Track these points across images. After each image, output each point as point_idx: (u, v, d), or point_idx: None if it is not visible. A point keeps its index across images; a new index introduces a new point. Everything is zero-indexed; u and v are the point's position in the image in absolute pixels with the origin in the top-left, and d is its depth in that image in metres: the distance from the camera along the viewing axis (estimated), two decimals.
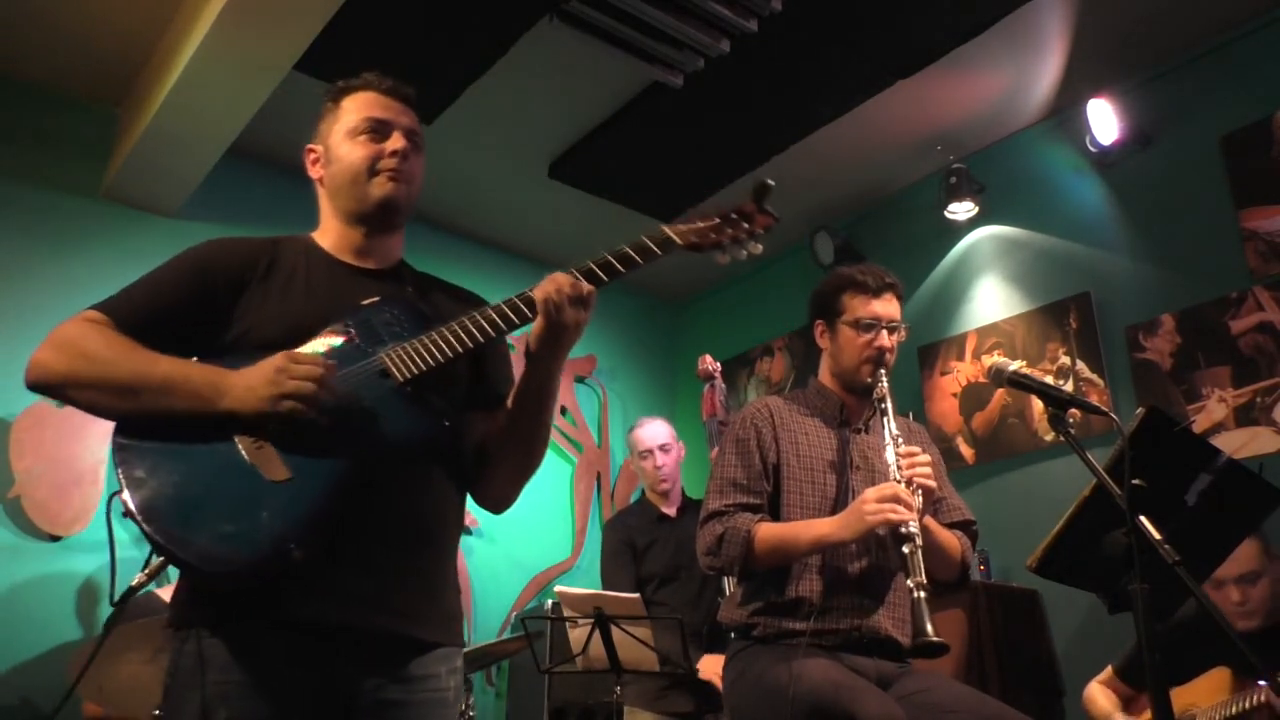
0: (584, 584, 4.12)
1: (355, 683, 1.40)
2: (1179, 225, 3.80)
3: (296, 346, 1.45)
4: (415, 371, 1.46)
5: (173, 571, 3.80)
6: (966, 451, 4.25)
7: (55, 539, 3.67)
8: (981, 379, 4.26)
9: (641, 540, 3.72)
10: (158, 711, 2.51)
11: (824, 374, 2.44)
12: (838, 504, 2.24)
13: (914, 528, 2.01)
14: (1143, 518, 1.60)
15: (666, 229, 1.53)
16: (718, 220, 1.54)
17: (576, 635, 2.98)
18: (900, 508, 2.01)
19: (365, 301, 1.54)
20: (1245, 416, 3.47)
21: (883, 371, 2.27)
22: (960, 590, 3.13)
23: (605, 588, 3.57)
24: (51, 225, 3.93)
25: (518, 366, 1.61)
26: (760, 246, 1.56)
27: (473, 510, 1.83)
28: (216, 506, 1.34)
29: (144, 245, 4.05)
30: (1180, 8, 3.66)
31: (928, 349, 4.51)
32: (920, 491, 2.09)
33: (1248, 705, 2.40)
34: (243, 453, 1.38)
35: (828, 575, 2.17)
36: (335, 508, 1.38)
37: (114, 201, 4.08)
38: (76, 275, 3.89)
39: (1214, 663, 2.54)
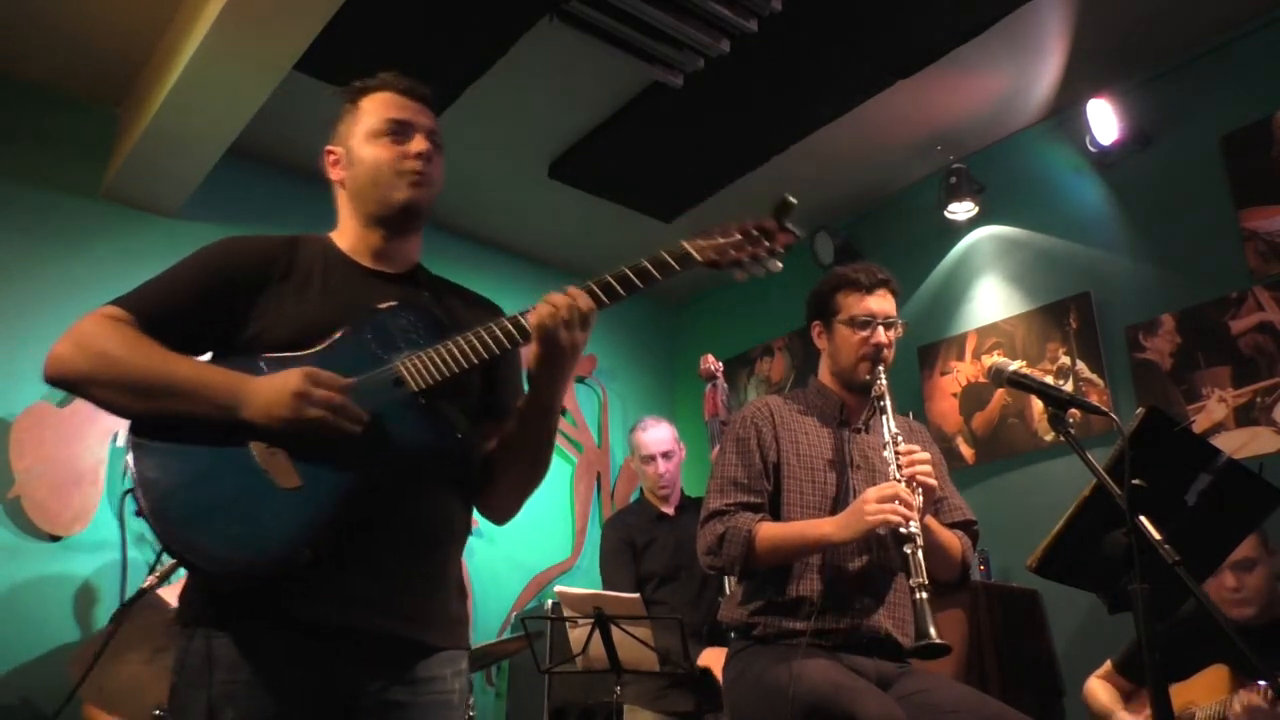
0: (584, 584, 4.12)
1: (361, 684, 1.40)
2: (1179, 225, 3.80)
3: (312, 348, 1.45)
4: (430, 382, 1.45)
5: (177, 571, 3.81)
6: (966, 451, 4.25)
7: (55, 539, 3.67)
8: (981, 379, 4.26)
9: (641, 539, 3.72)
10: (158, 711, 2.53)
11: (823, 374, 2.44)
12: (838, 503, 2.24)
13: (915, 528, 2.01)
14: (1143, 518, 1.60)
15: (686, 244, 1.50)
16: (738, 236, 1.51)
17: (576, 635, 2.98)
18: (901, 507, 2.01)
19: (382, 305, 1.53)
20: (1245, 416, 3.47)
21: (881, 369, 2.27)
22: (960, 590, 3.14)
23: (605, 587, 3.57)
24: (51, 225, 3.93)
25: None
26: (780, 265, 1.53)
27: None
28: (227, 510, 1.35)
29: (144, 245, 4.06)
30: (1180, 8, 3.66)
31: (928, 349, 4.51)
32: (921, 491, 2.09)
33: (1239, 707, 2.40)
34: (256, 458, 1.38)
35: (828, 575, 2.17)
36: (344, 514, 1.38)
37: (114, 201, 4.08)
38: (76, 275, 3.89)
39: (1213, 660, 2.54)
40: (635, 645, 2.91)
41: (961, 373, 4.38)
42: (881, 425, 2.22)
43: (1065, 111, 4.19)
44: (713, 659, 3.22)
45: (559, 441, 5.56)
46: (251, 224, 4.30)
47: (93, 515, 3.73)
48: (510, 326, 1.48)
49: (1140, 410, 1.78)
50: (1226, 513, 1.89)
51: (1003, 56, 3.92)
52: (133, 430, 1.40)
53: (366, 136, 1.61)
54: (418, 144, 1.60)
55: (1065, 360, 4.02)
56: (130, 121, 4.00)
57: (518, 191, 4.80)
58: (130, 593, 3.51)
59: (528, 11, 3.51)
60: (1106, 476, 1.69)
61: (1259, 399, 3.45)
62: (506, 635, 4.54)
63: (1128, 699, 2.77)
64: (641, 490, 4.00)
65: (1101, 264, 4.02)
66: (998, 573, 3.85)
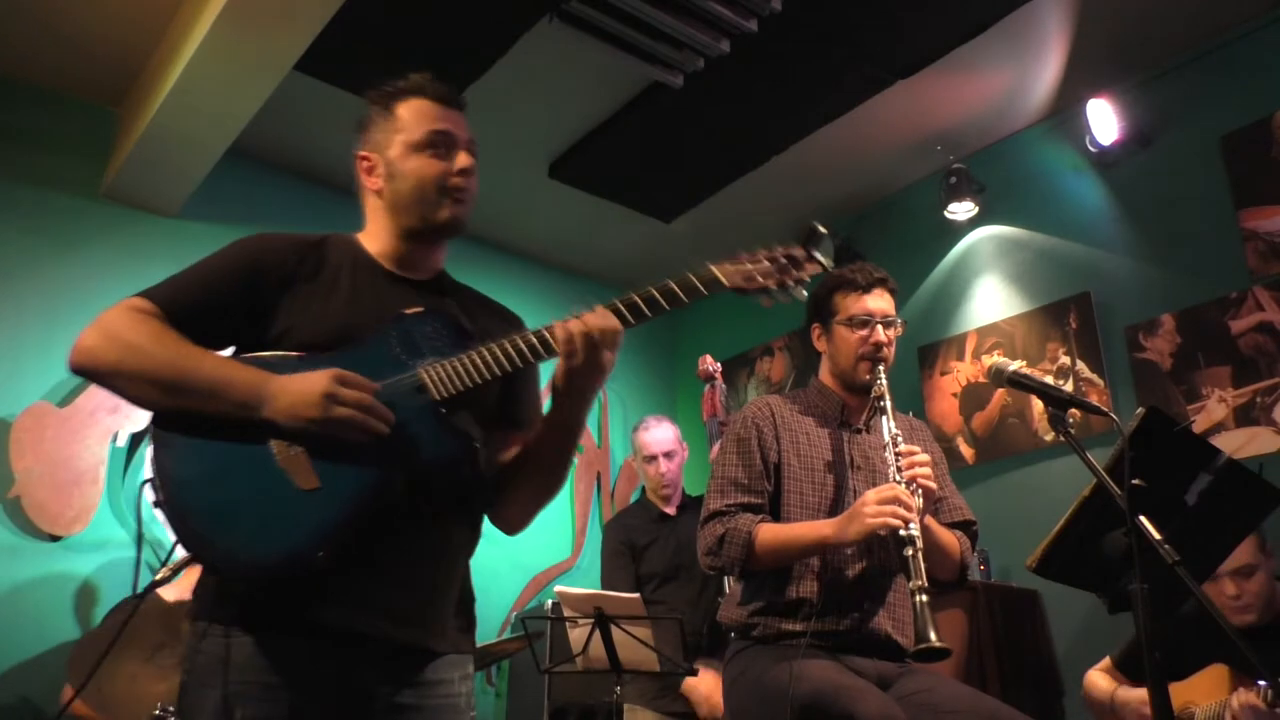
0: (584, 584, 4.12)
1: (370, 687, 1.41)
2: (1179, 225, 3.80)
3: (337, 350, 1.45)
4: (452, 391, 1.45)
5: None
6: (966, 451, 4.25)
7: (55, 539, 3.67)
8: (981, 379, 4.26)
9: (642, 540, 3.72)
10: (157, 711, 2.52)
11: (823, 374, 2.44)
12: (838, 504, 2.24)
13: (915, 530, 2.01)
14: (1143, 518, 1.60)
15: (714, 269, 1.50)
16: (766, 263, 1.50)
17: (576, 635, 2.98)
18: (901, 510, 2.01)
19: (408, 311, 1.52)
20: (1245, 416, 3.47)
21: (881, 369, 2.27)
22: (960, 590, 3.13)
23: (604, 588, 3.57)
24: (51, 225, 3.93)
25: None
26: (805, 293, 1.53)
27: None
28: (244, 508, 1.36)
29: (144, 245, 4.06)
30: (1180, 8, 3.66)
31: (928, 349, 4.51)
32: (920, 492, 2.09)
33: (1237, 706, 2.40)
34: (276, 457, 1.39)
35: (827, 576, 2.17)
36: (360, 519, 1.38)
37: (114, 201, 4.08)
38: (76, 275, 3.89)
39: (1213, 659, 2.54)
40: (635, 645, 2.91)
41: (961, 373, 4.38)
42: (882, 426, 2.21)
43: (1065, 111, 4.19)
44: (705, 690, 3.24)
45: None
46: (251, 224, 4.25)
47: (93, 515, 3.73)
48: (535, 341, 1.47)
49: (1140, 410, 1.78)
50: (1226, 513, 1.89)
51: (1003, 56, 3.92)
52: (154, 422, 1.41)
53: (408, 149, 1.59)
54: (463, 160, 1.59)
55: (1065, 360, 4.02)
56: (130, 121, 4.00)
57: (518, 191, 4.80)
58: (140, 586, 3.54)
59: (528, 11, 3.51)
60: (1106, 476, 1.69)
61: (1259, 399, 3.45)
62: (506, 635, 4.54)
63: None
64: (643, 490, 4.00)
65: (1101, 264, 4.02)
66: (998, 573, 3.85)
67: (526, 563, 4.84)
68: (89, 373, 1.42)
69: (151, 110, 3.67)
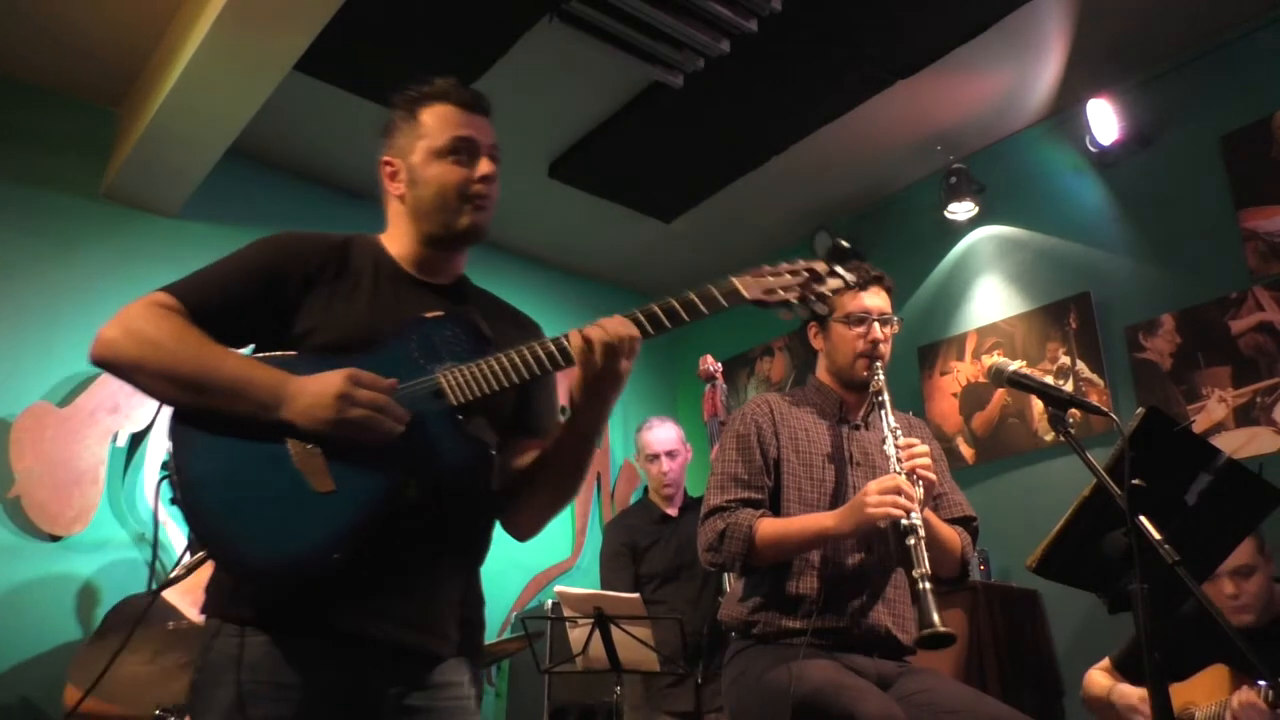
0: (584, 584, 4.12)
1: (380, 690, 1.41)
2: (1179, 225, 3.80)
3: (357, 352, 1.45)
4: (469, 397, 1.45)
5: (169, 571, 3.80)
6: (966, 451, 4.25)
7: (55, 539, 3.67)
8: (981, 379, 4.26)
9: (643, 540, 3.73)
10: (158, 711, 2.52)
11: (821, 372, 2.45)
12: (837, 499, 2.25)
13: (916, 519, 2.01)
14: (1143, 518, 1.60)
15: (735, 281, 1.50)
16: (788, 277, 1.51)
17: (576, 635, 2.98)
18: (903, 500, 2.01)
19: (428, 315, 1.52)
20: (1245, 416, 3.47)
21: (879, 365, 2.27)
22: (960, 589, 3.13)
23: (603, 589, 3.57)
24: (51, 225, 3.93)
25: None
26: (825, 309, 1.55)
27: None
28: (260, 509, 1.37)
29: (144, 245, 4.06)
30: (1180, 8, 3.66)
31: (928, 349, 4.51)
32: (921, 484, 2.09)
33: (1237, 706, 2.40)
34: (292, 457, 1.39)
35: (827, 572, 2.17)
36: (374, 523, 1.39)
37: (114, 201, 4.08)
38: (76, 275, 3.89)
39: (1212, 660, 2.54)
40: (635, 645, 2.91)
41: (961, 373, 4.38)
42: (881, 421, 2.22)
43: (1065, 111, 4.19)
44: None
45: None
46: (252, 224, 4.29)
47: (93, 515, 3.73)
48: (554, 348, 1.47)
49: (1140, 410, 1.77)
50: (1226, 513, 1.89)
51: (1003, 56, 3.92)
52: (175, 417, 1.42)
53: (430, 155, 1.58)
54: (484, 167, 1.58)
55: (1065, 360, 4.02)
56: (130, 121, 4.00)
57: (518, 191, 4.80)
58: (137, 587, 3.55)
59: (528, 11, 3.51)
60: (1106, 476, 1.69)
61: (1259, 399, 3.45)
62: (506, 635, 4.54)
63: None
64: (645, 490, 4.00)
65: (1101, 264, 4.02)
66: (998, 573, 3.85)
67: (526, 563, 4.84)
68: (109, 366, 1.43)
69: (151, 110, 3.67)
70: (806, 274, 1.51)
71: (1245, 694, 2.39)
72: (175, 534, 3.86)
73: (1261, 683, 2.37)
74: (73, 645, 3.54)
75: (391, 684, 1.42)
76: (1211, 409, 3.55)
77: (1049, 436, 3.97)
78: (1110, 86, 3.93)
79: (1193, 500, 1.82)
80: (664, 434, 3.85)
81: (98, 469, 3.78)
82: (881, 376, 2.26)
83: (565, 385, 1.56)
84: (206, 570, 1.48)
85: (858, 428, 2.37)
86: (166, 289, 1.48)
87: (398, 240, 1.64)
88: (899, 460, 2.11)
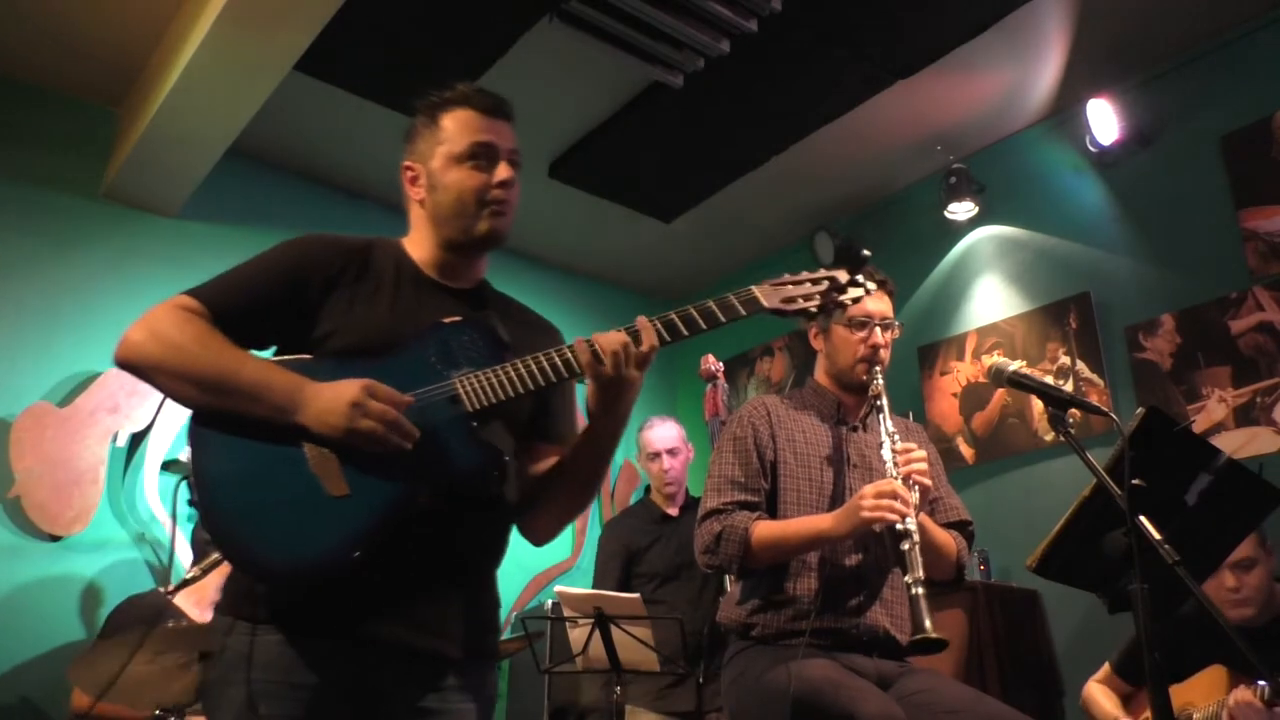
0: (584, 584, 4.12)
1: (392, 692, 1.42)
2: (1179, 225, 3.80)
3: (376, 356, 1.46)
4: (485, 403, 1.45)
5: (178, 570, 3.81)
6: (966, 451, 4.25)
7: (55, 539, 3.67)
8: (981, 379, 4.26)
9: (642, 541, 3.73)
10: (158, 710, 2.53)
11: (820, 374, 2.45)
12: (835, 501, 2.25)
13: (911, 525, 2.02)
14: (1143, 518, 1.60)
15: (755, 290, 1.51)
16: (809, 286, 1.52)
17: (576, 635, 2.98)
18: (897, 504, 2.02)
19: (447, 320, 1.53)
20: (1245, 416, 3.47)
21: (878, 369, 2.27)
22: (960, 590, 3.13)
23: (594, 588, 3.58)
24: (51, 225, 3.93)
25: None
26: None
27: None
28: (275, 512, 1.38)
29: (144, 245, 4.06)
30: (1180, 8, 3.66)
31: (928, 349, 4.51)
32: (917, 488, 2.09)
33: (1234, 704, 2.41)
34: (308, 460, 1.40)
35: (825, 573, 2.17)
36: (387, 527, 1.39)
37: (114, 201, 4.08)
38: (76, 275, 3.89)
39: (1211, 660, 2.54)
40: (635, 645, 2.91)
41: (961, 373, 4.38)
42: (878, 424, 2.22)
43: (1065, 111, 4.19)
44: None
45: None
46: (251, 224, 4.30)
47: (93, 515, 3.73)
48: (571, 356, 1.48)
49: (1140, 410, 1.78)
50: (1226, 513, 1.89)
51: (1003, 56, 3.92)
52: (195, 419, 1.44)
53: (449, 160, 1.59)
54: (502, 172, 1.59)
55: (1065, 360, 4.02)
56: (130, 121, 4.00)
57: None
58: (138, 587, 3.54)
59: (528, 11, 3.51)
60: (1106, 476, 1.69)
61: (1259, 399, 3.45)
62: (506, 635, 4.53)
63: (1126, 702, 2.76)
64: (645, 490, 4.00)
65: (1101, 264, 4.02)
66: (998, 573, 3.85)
67: (526, 563, 4.84)
68: (132, 367, 1.45)
69: (151, 110, 3.67)
70: (828, 283, 1.52)
71: (1242, 693, 2.40)
72: (176, 534, 3.86)
73: (1260, 682, 2.37)
74: (73, 645, 3.54)
75: (404, 687, 1.43)
76: (1211, 409, 3.55)
77: (1049, 436, 3.97)
78: (1110, 86, 3.93)
79: (1193, 500, 1.82)
80: (665, 432, 3.85)
81: (98, 469, 3.78)
82: (880, 381, 2.27)
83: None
84: (214, 572, 1.49)
85: (856, 429, 2.37)
86: (190, 292, 1.50)
87: (419, 244, 1.64)
88: (896, 465, 2.11)
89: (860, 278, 1.55)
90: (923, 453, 2.15)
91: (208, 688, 1.41)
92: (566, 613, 2.99)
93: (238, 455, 1.41)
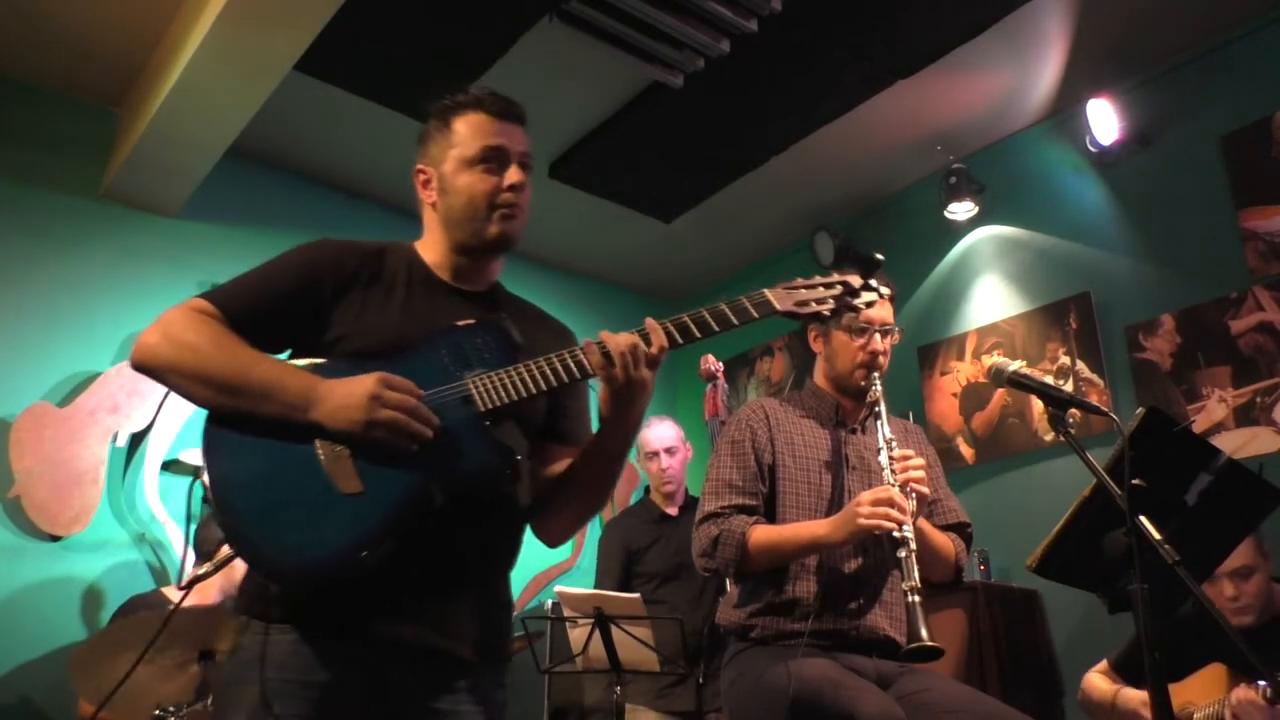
0: (584, 584, 4.12)
1: (404, 692, 1.42)
2: (1179, 225, 3.80)
3: (387, 360, 1.46)
4: (498, 403, 1.46)
5: (172, 568, 3.81)
6: (966, 451, 4.25)
7: (55, 539, 3.66)
8: (981, 379, 4.26)
9: (642, 540, 3.73)
10: (157, 711, 2.52)
11: (818, 377, 2.45)
12: (833, 504, 2.25)
13: (908, 532, 2.02)
14: (1143, 518, 1.60)
15: (768, 293, 1.52)
16: (821, 289, 1.53)
17: (576, 635, 2.98)
18: (894, 512, 2.02)
19: (460, 323, 1.53)
20: (1245, 416, 3.47)
21: (876, 376, 2.27)
22: (959, 590, 3.14)
23: (595, 588, 3.58)
24: (51, 225, 3.93)
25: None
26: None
27: None
28: (288, 511, 1.39)
29: (144, 245, 4.06)
30: (1180, 8, 3.66)
31: (928, 349, 4.51)
32: (914, 495, 2.09)
33: (1235, 703, 2.41)
34: (321, 459, 1.41)
35: (823, 576, 2.17)
36: (399, 527, 1.40)
37: (114, 201, 4.08)
38: (76, 275, 3.89)
39: (1211, 660, 2.54)
40: (635, 645, 2.91)
41: (961, 373, 4.38)
42: (877, 429, 2.22)
43: (1065, 111, 4.19)
44: None
45: None
46: (251, 224, 4.30)
47: (93, 515, 3.73)
48: (583, 358, 1.49)
49: (1140, 410, 1.78)
50: (1226, 513, 1.89)
51: (1003, 56, 3.92)
52: (210, 419, 1.45)
53: (460, 164, 1.60)
54: (513, 175, 1.59)
55: (1065, 360, 4.02)
56: (130, 121, 4.00)
57: None
58: (138, 587, 3.54)
59: (527, 11, 3.51)
60: (1106, 476, 1.69)
61: (1259, 399, 3.45)
62: None
63: None
64: (645, 490, 4.00)
65: (1101, 264, 4.02)
66: (998, 573, 3.85)
67: (526, 563, 4.78)
68: (148, 370, 1.46)
69: (151, 110, 3.66)
70: (841, 287, 1.53)
71: (1243, 691, 2.40)
72: (175, 534, 3.87)
73: (1261, 681, 2.37)
74: (73, 645, 3.54)
75: (416, 686, 1.43)
76: (1211, 409, 3.55)
77: (1049, 436, 3.97)
78: (1110, 86, 3.93)
79: (1193, 500, 1.82)
80: (663, 431, 3.85)
81: (98, 469, 3.78)
82: (879, 387, 2.27)
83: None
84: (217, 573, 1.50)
85: (854, 431, 2.37)
86: (205, 295, 1.51)
87: (431, 247, 1.65)
88: (893, 473, 2.11)
89: (873, 282, 1.55)
90: (920, 460, 2.15)
91: (223, 687, 1.42)
92: (566, 613, 2.99)
93: (251, 456, 1.42)
